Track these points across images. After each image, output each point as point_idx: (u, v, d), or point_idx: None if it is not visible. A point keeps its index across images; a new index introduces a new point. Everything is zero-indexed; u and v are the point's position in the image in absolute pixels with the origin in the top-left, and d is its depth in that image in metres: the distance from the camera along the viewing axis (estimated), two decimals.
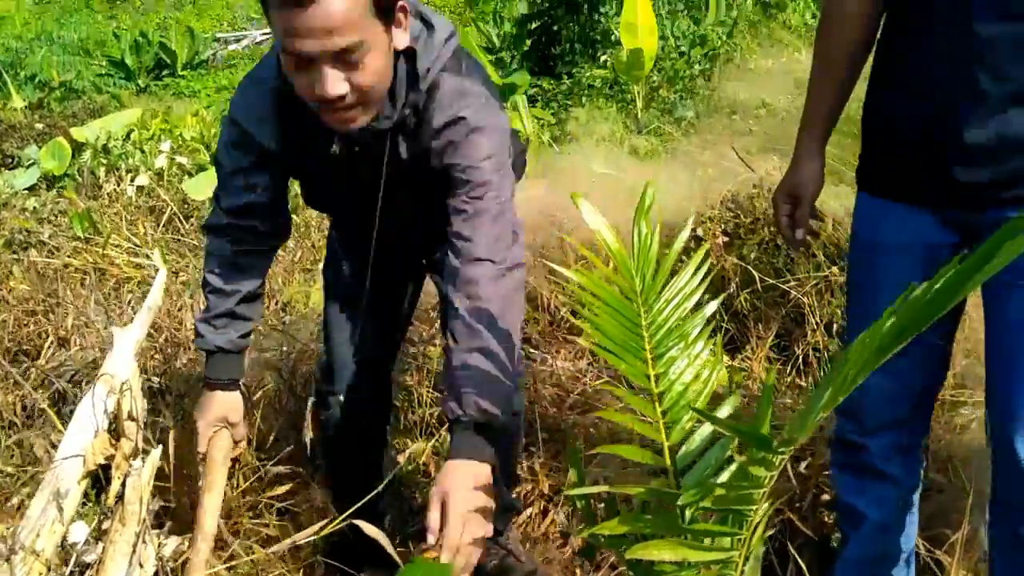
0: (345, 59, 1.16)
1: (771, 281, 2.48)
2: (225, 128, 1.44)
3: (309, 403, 1.46)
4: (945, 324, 1.36)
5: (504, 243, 1.31)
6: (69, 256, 3.78)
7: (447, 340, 1.28)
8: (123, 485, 1.01)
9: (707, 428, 1.06)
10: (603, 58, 7.56)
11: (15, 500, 1.71)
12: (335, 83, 1.17)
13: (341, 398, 1.65)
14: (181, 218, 4.64)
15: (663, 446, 1.06)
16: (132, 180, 5.08)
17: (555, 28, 8.49)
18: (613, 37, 7.65)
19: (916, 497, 1.49)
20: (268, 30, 20.30)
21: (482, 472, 1.17)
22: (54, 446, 1.28)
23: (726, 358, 2.48)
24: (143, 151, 5.75)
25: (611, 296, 1.09)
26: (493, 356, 1.23)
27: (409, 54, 1.28)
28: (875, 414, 1.41)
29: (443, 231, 1.35)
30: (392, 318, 1.74)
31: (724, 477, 0.99)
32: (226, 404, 1.51)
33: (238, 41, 19.55)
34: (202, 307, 1.55)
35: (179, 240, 4.45)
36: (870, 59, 1.40)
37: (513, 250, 1.33)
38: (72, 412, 2.15)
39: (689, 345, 1.11)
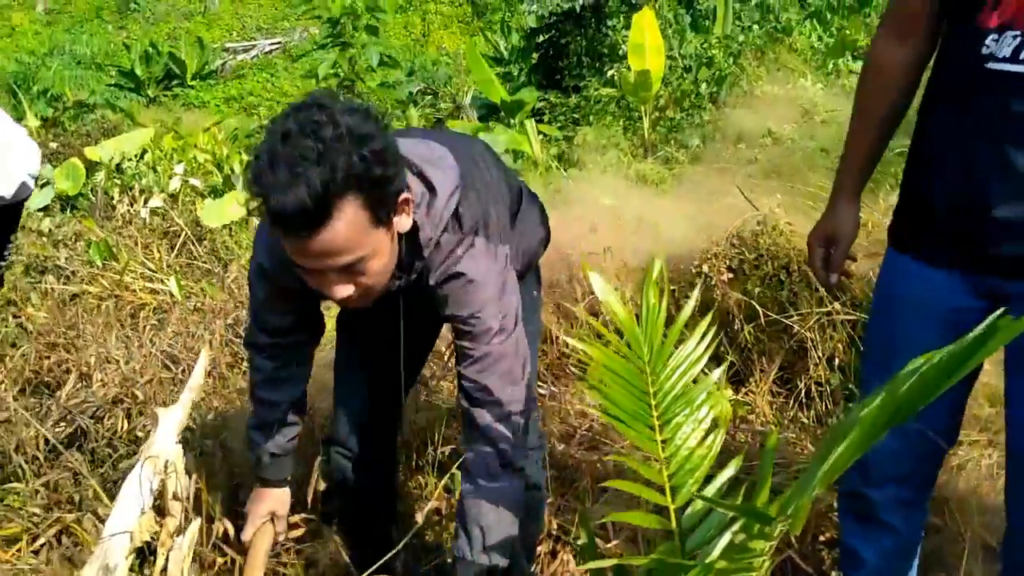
0: (349, 270, 1.23)
1: (774, 316, 2.53)
2: (253, 265, 1.51)
3: (318, 460, 1.54)
4: (960, 388, 1.40)
5: (510, 381, 1.39)
6: (85, 283, 3.85)
7: (463, 467, 1.40)
8: (167, 559, 1.08)
9: (710, 491, 1.12)
10: (610, 73, 7.62)
11: (42, 540, 1.78)
12: (340, 290, 1.25)
13: (344, 451, 1.70)
14: (194, 241, 4.72)
15: (669, 508, 1.11)
16: (145, 202, 5.15)
17: (563, 41, 8.53)
18: (620, 51, 7.72)
19: (918, 550, 1.53)
20: (276, 40, 20.36)
21: None
22: (101, 520, 1.35)
23: (730, 391, 2.53)
24: (156, 171, 5.82)
25: (620, 366, 1.14)
26: (503, 500, 1.35)
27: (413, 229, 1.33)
28: (881, 468, 1.45)
29: None
30: (400, 372, 1.80)
31: (727, 538, 1.04)
32: (276, 500, 1.62)
33: (247, 51, 19.68)
34: (252, 415, 1.66)
35: (191, 264, 4.52)
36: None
37: (519, 386, 1.40)
38: (93, 450, 2.22)
39: (694, 410, 1.17)
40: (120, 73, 16.76)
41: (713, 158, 3.85)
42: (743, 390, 2.58)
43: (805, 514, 0.87)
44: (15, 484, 2.10)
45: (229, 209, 3.99)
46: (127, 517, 1.14)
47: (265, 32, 20.42)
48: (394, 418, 1.78)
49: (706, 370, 2.49)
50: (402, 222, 1.29)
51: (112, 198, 5.56)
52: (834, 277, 1.50)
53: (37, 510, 1.83)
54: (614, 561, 0.99)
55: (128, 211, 5.29)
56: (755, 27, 5.44)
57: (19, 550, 1.76)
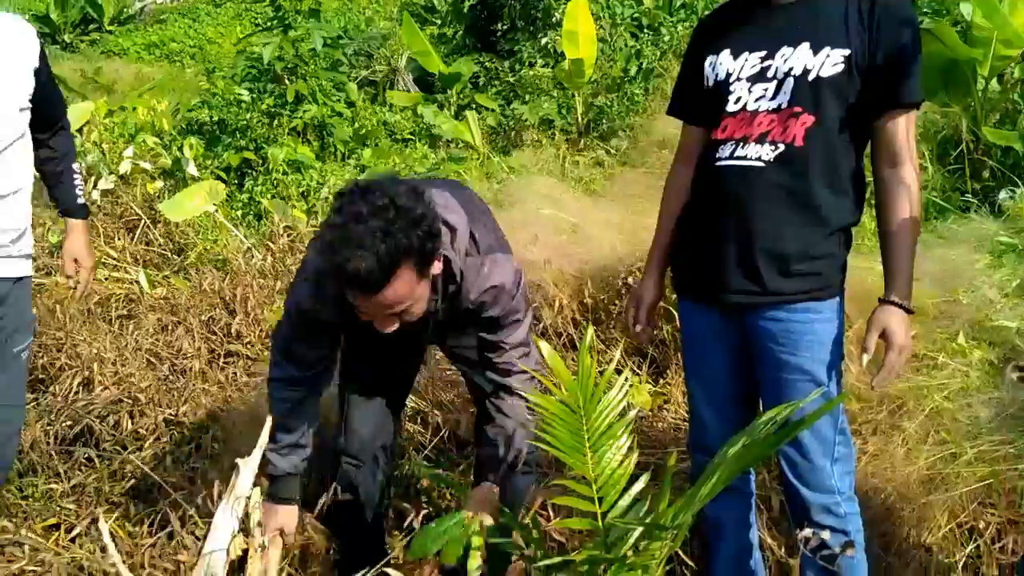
0: (399, 314, 1.59)
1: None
2: (292, 307, 1.81)
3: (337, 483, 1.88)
4: (753, 387, 1.89)
5: (528, 355, 1.89)
6: (49, 274, 4.04)
7: (493, 411, 1.90)
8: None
9: (625, 501, 1.55)
10: (544, 40, 7.90)
11: (77, 529, 2.12)
12: (389, 325, 1.61)
13: (355, 462, 2.05)
14: (150, 224, 4.91)
15: (597, 513, 1.54)
16: (95, 184, 5.26)
17: (497, 4, 8.67)
18: (554, 18, 8.00)
19: (753, 500, 2.04)
20: None
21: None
22: (197, 538, 1.72)
23: (649, 384, 2.98)
24: (102, 148, 5.87)
25: (561, 410, 1.55)
26: (529, 434, 1.86)
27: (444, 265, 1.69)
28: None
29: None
30: (403, 392, 2.19)
31: (633, 539, 1.47)
32: (286, 516, 1.91)
33: None
34: (270, 439, 1.90)
35: (148, 249, 4.72)
36: None
37: (533, 356, 1.89)
38: (105, 448, 2.54)
39: (615, 439, 1.59)
40: (35, 18, 16.07)
41: (639, 161, 4.26)
42: (662, 381, 3.03)
43: (687, 529, 1.30)
44: (33, 478, 2.41)
45: (190, 204, 4.20)
46: (222, 538, 1.51)
47: None
48: (394, 432, 2.15)
49: (632, 366, 2.92)
50: (435, 267, 1.64)
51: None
52: (639, 327, 2.03)
53: (70, 505, 2.16)
54: (558, 559, 1.41)
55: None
56: (680, 27, 5.81)
57: (57, 540, 2.10)
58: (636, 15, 8.11)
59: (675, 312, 2.97)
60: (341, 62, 7.27)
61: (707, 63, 1.84)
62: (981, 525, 2.30)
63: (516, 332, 1.87)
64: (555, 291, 3.05)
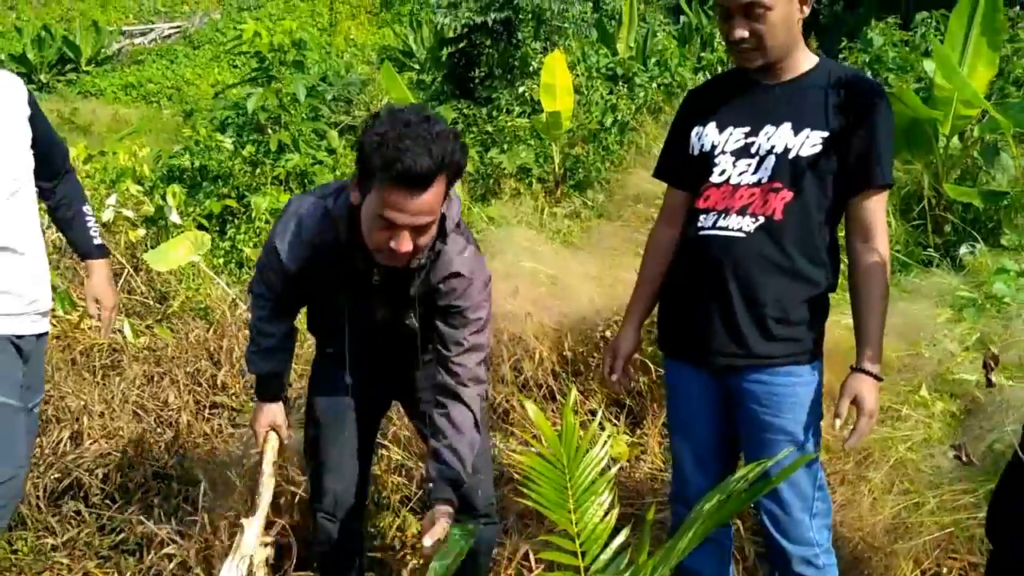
0: (420, 229, 1.66)
1: (663, 371, 3.08)
2: (271, 249, 1.85)
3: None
4: (735, 443, 1.98)
5: (484, 363, 1.90)
6: None
7: (437, 422, 1.86)
8: None
9: (607, 554, 1.63)
10: (521, 89, 8.11)
11: None
12: (409, 245, 1.66)
13: (329, 517, 2.08)
14: (132, 272, 4.95)
15: (580, 567, 1.62)
16: None
17: (475, 52, 8.88)
18: (531, 67, 8.22)
19: (731, 552, 2.13)
20: (176, 24, 19.58)
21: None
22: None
23: (626, 435, 3.07)
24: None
25: (546, 468, 1.64)
26: (477, 447, 1.88)
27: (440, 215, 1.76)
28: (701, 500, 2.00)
29: (416, 363, 1.97)
30: (370, 442, 2.23)
31: None
32: (274, 413, 2.03)
33: (144, 35, 19.16)
34: (251, 343, 2.02)
35: (131, 296, 4.75)
36: None
37: (486, 368, 1.92)
38: (95, 502, 2.57)
39: (598, 495, 1.68)
40: (11, 58, 16.12)
41: (615, 214, 4.40)
42: (638, 432, 3.13)
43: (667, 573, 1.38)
44: (22, 531, 2.44)
45: (175, 254, 4.26)
46: None
47: (163, 15, 19.92)
48: (365, 485, 2.20)
49: (609, 417, 3.01)
50: (444, 203, 1.71)
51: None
52: (614, 376, 2.10)
53: (63, 559, 2.19)
54: None
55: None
56: (652, 83, 6.03)
57: None
58: (611, 65, 8.38)
59: (651, 364, 3.11)
60: (320, 109, 7.40)
61: (693, 132, 1.94)
62: (944, 571, 2.40)
63: (478, 335, 1.87)
64: (535, 343, 3.14)
